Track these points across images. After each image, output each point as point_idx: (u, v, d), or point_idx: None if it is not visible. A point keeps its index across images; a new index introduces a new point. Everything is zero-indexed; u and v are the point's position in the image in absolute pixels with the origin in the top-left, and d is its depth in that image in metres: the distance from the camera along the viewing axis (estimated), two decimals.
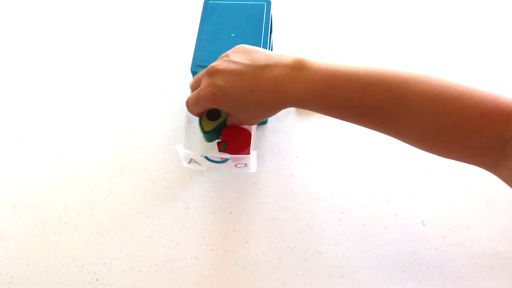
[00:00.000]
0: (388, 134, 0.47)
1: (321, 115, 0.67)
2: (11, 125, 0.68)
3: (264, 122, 0.66)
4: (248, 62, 0.48)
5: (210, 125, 0.54)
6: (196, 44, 0.59)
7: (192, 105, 0.52)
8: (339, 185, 0.61)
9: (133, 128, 0.67)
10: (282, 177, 0.62)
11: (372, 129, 0.47)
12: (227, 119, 0.55)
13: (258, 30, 0.59)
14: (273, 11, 0.66)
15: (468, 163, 0.45)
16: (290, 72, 0.45)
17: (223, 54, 0.51)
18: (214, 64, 0.50)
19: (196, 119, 0.56)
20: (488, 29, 0.76)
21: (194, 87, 0.53)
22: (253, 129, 0.56)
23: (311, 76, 0.45)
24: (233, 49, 0.51)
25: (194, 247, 0.57)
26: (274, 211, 0.59)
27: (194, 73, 0.58)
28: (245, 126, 0.56)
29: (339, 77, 0.44)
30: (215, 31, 0.60)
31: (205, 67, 0.57)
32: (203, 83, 0.50)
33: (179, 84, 0.71)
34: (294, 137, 0.65)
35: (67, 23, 0.80)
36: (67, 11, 0.81)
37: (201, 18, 0.62)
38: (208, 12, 0.62)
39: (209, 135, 0.55)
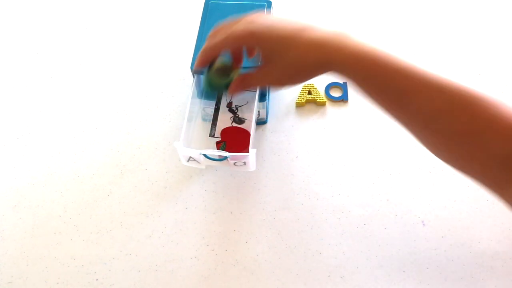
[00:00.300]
0: (414, 129, 0.45)
1: (321, 115, 0.67)
2: (11, 125, 0.68)
3: (264, 122, 0.66)
4: (289, 21, 0.46)
5: (219, 80, 0.52)
6: (196, 44, 0.59)
7: (213, 46, 0.48)
8: (339, 185, 0.61)
9: (133, 128, 0.67)
10: (282, 177, 0.62)
11: (400, 118, 0.46)
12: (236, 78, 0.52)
13: None
14: (273, 11, 0.66)
15: (479, 178, 0.44)
16: (335, 36, 0.44)
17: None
18: (249, 16, 0.47)
19: (197, 118, 0.56)
20: (488, 29, 0.76)
21: (215, 34, 0.50)
22: (252, 128, 0.56)
23: (357, 44, 0.44)
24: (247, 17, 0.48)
25: (194, 247, 0.57)
26: (274, 211, 0.59)
27: (194, 72, 0.58)
28: (244, 126, 0.56)
29: (382, 53, 0.43)
30: None
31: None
32: (238, 24, 0.47)
33: (179, 84, 0.71)
34: (294, 137, 0.65)
35: (67, 23, 0.80)
36: (67, 11, 0.81)
37: (201, 18, 0.62)
38: (208, 12, 0.62)
39: (213, 91, 0.53)
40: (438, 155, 0.46)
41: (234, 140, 0.55)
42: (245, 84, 0.52)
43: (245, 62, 0.54)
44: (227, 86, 0.53)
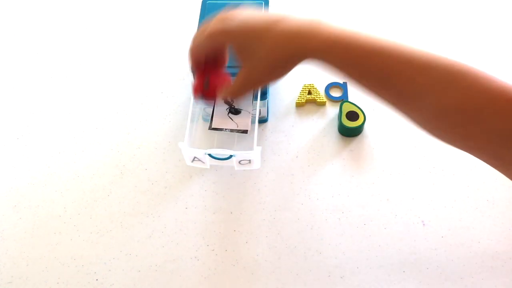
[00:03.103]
0: (402, 108, 0.43)
1: (321, 115, 0.67)
2: (11, 125, 0.68)
3: (265, 121, 0.66)
4: (258, 14, 0.46)
5: (351, 124, 0.62)
6: None
7: (192, 49, 0.48)
8: (339, 185, 0.61)
9: (133, 128, 0.67)
10: (282, 177, 0.62)
11: (386, 99, 0.44)
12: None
13: None
14: (271, 9, 0.66)
15: (481, 155, 0.42)
16: (309, 23, 0.43)
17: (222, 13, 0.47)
18: (221, 13, 0.46)
19: (198, 118, 0.56)
20: (488, 29, 0.76)
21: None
22: (256, 126, 0.56)
23: (332, 29, 0.43)
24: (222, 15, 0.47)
25: (194, 247, 0.57)
26: (274, 211, 0.59)
27: (194, 73, 0.58)
28: (245, 125, 0.56)
29: (360, 36, 0.42)
30: None
31: None
32: (211, 22, 0.47)
33: (179, 84, 0.71)
34: (294, 137, 0.65)
35: (67, 23, 0.80)
36: (67, 11, 0.81)
37: (199, 18, 0.62)
38: (206, 12, 0.62)
39: (346, 135, 0.64)
40: (432, 134, 0.44)
41: (216, 76, 0.53)
42: (229, 95, 0.52)
43: (231, 61, 0.53)
44: (356, 130, 0.64)
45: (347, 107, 0.64)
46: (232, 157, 0.54)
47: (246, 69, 0.47)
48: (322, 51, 0.43)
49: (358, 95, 0.67)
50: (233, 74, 0.50)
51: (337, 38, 0.42)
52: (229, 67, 0.53)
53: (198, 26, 0.61)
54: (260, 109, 0.62)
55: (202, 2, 0.63)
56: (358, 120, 0.63)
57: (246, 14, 0.46)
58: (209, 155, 0.54)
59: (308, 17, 0.44)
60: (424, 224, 0.58)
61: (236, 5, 0.62)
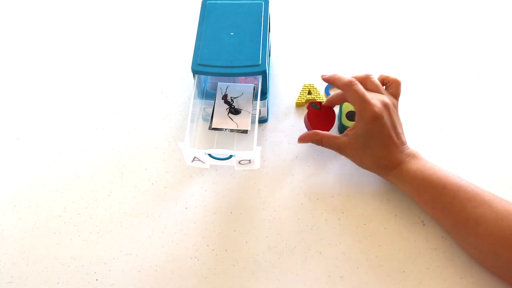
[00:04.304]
0: (463, 236, 0.53)
1: None
2: (11, 125, 0.68)
3: (265, 120, 0.66)
4: (397, 126, 0.56)
5: (350, 123, 0.63)
6: (195, 44, 0.59)
7: (352, 89, 0.55)
8: (339, 185, 0.61)
9: (133, 128, 0.67)
10: (282, 177, 0.62)
11: (450, 225, 0.54)
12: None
13: (257, 28, 0.59)
14: (271, 9, 0.66)
15: None
16: (409, 158, 0.56)
17: (389, 102, 0.56)
18: (388, 103, 0.56)
19: (198, 118, 0.56)
20: (488, 29, 0.76)
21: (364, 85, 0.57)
22: (256, 127, 0.56)
23: (420, 164, 0.56)
24: (392, 106, 0.56)
25: (194, 247, 0.57)
26: (274, 211, 0.59)
27: (194, 72, 0.58)
28: (245, 125, 0.56)
29: (436, 178, 0.54)
30: (214, 31, 0.60)
31: (206, 66, 0.57)
32: (382, 98, 0.55)
33: (179, 84, 0.71)
34: (294, 137, 0.65)
35: (67, 23, 0.80)
36: (67, 11, 0.81)
37: (199, 18, 0.62)
38: (206, 12, 0.62)
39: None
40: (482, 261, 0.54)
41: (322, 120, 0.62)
42: (318, 141, 0.60)
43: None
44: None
45: (347, 107, 0.64)
46: (232, 157, 0.54)
47: (352, 146, 0.57)
48: (400, 178, 0.56)
49: None
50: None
51: (418, 175, 0.55)
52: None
53: (198, 26, 0.61)
54: (260, 109, 0.62)
55: (202, 2, 0.63)
56: None
57: (394, 121, 0.56)
58: (209, 155, 0.54)
59: (410, 150, 0.57)
60: (424, 224, 0.58)
61: (237, 6, 0.62)
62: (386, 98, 0.56)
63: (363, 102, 0.54)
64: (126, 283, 0.55)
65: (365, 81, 0.57)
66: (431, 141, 0.65)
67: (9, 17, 0.81)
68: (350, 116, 0.63)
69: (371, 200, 0.60)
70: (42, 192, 0.62)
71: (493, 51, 0.73)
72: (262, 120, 0.66)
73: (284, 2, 0.79)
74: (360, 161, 0.58)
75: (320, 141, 0.59)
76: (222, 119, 0.58)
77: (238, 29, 0.59)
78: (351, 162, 0.59)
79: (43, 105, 0.70)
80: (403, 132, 0.57)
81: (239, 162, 0.55)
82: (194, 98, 0.58)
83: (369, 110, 0.53)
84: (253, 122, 0.58)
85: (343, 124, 0.63)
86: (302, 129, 0.66)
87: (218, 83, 0.61)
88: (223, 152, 0.54)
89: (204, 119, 0.63)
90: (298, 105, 0.68)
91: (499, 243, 0.49)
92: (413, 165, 0.55)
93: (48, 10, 0.81)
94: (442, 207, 0.53)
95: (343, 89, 0.56)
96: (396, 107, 0.57)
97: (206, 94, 0.62)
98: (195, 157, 0.55)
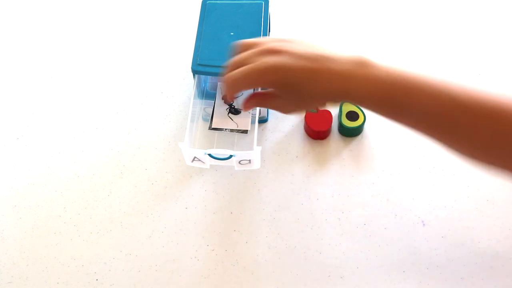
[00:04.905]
0: (442, 141, 0.45)
1: None
2: (11, 125, 0.68)
3: (265, 121, 0.66)
4: (311, 50, 0.46)
5: (350, 124, 0.63)
6: (195, 44, 0.59)
7: (233, 83, 0.47)
8: (339, 185, 0.61)
9: (133, 128, 0.67)
10: (282, 177, 0.62)
11: (427, 134, 0.46)
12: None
13: (257, 28, 0.59)
14: (271, 9, 0.66)
15: None
16: (355, 67, 0.45)
17: (274, 39, 0.48)
18: (272, 44, 0.47)
19: (198, 118, 0.56)
20: (488, 29, 0.76)
21: (237, 65, 0.48)
22: (256, 126, 0.56)
23: (376, 75, 0.44)
24: (285, 38, 0.48)
25: (194, 247, 0.57)
26: (274, 211, 0.59)
27: (194, 72, 0.58)
28: (245, 125, 0.56)
29: (403, 80, 0.43)
30: (214, 31, 0.60)
31: (206, 66, 0.57)
32: (259, 59, 0.46)
33: (179, 84, 0.71)
34: (294, 137, 0.65)
35: (67, 23, 0.80)
36: (67, 11, 0.81)
37: (199, 18, 0.62)
38: (206, 12, 0.62)
39: (345, 134, 0.65)
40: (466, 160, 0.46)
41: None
42: (261, 104, 0.53)
43: None
44: (356, 130, 0.64)
45: (347, 107, 0.64)
46: (232, 157, 0.54)
47: (289, 99, 0.49)
48: (361, 100, 0.45)
49: None
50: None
51: (380, 86, 0.44)
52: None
53: (198, 26, 0.61)
54: (260, 109, 0.62)
55: (202, 2, 0.63)
56: (358, 120, 0.63)
57: (298, 50, 0.46)
58: (209, 155, 0.54)
59: (353, 57, 0.45)
60: (424, 224, 0.58)
61: (237, 6, 0.62)
62: (266, 43, 0.48)
63: (252, 73, 0.46)
64: (126, 283, 0.55)
65: (243, 58, 0.49)
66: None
67: (9, 17, 0.81)
68: (350, 116, 0.63)
69: (371, 200, 0.60)
70: (42, 192, 0.62)
71: (493, 51, 0.73)
72: (262, 120, 0.66)
73: (284, 2, 0.79)
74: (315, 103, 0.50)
75: (264, 104, 0.53)
76: (222, 119, 0.58)
77: (238, 29, 0.59)
78: (351, 162, 0.59)
79: (43, 105, 0.70)
80: (326, 48, 0.48)
81: (239, 162, 0.55)
82: (194, 98, 0.58)
83: (263, 71, 0.46)
84: (253, 122, 0.58)
85: (343, 124, 0.63)
86: (302, 129, 0.66)
87: (218, 83, 0.61)
88: (223, 152, 0.54)
89: (204, 119, 0.63)
90: None
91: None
92: (370, 74, 0.45)
93: (48, 10, 0.81)
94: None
95: (239, 87, 0.50)
96: (285, 39, 0.48)
97: (206, 94, 0.62)
98: (195, 157, 0.55)
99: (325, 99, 0.48)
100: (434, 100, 0.43)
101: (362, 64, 0.45)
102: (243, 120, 0.58)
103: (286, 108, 0.52)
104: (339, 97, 0.47)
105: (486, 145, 0.43)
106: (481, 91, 0.42)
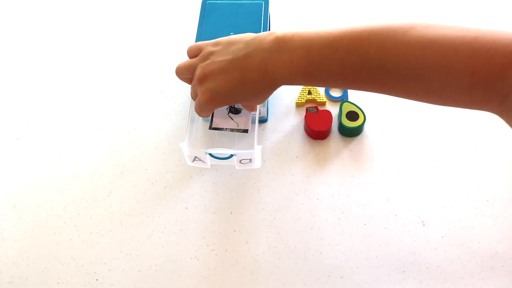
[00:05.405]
0: (379, 93, 0.46)
1: None
2: (11, 125, 0.68)
3: (265, 120, 0.66)
4: (229, 56, 0.48)
5: (350, 124, 0.64)
6: None
7: (200, 112, 0.54)
8: (339, 185, 0.61)
9: (133, 128, 0.67)
10: (282, 177, 0.62)
11: (362, 90, 0.46)
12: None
13: (257, 28, 0.59)
14: (271, 9, 0.66)
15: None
16: (270, 56, 0.46)
17: (203, 53, 0.51)
18: (198, 71, 0.50)
19: (198, 118, 0.57)
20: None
21: (185, 75, 0.54)
22: (256, 126, 0.56)
23: (289, 58, 0.45)
24: (210, 45, 0.51)
25: (194, 247, 0.57)
26: (274, 211, 0.59)
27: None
28: (245, 125, 0.56)
29: (315, 52, 0.44)
30: (214, 30, 0.60)
31: None
32: (198, 91, 0.51)
33: (179, 84, 0.71)
34: (294, 137, 0.65)
35: (67, 23, 0.80)
36: (67, 11, 0.81)
37: (199, 18, 0.62)
38: (206, 12, 0.62)
39: (345, 134, 0.65)
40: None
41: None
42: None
43: None
44: (356, 130, 0.64)
45: (347, 107, 0.64)
46: (233, 156, 0.54)
47: (243, 103, 0.55)
48: (288, 82, 0.47)
49: (358, 95, 0.67)
50: None
51: (295, 67, 0.45)
52: None
53: (198, 26, 0.61)
54: (260, 109, 0.62)
55: (202, 2, 0.63)
56: (358, 120, 0.63)
57: (218, 67, 0.49)
58: (210, 154, 0.54)
59: (267, 40, 0.47)
60: (424, 224, 0.58)
61: (236, 6, 0.62)
62: (197, 66, 0.51)
63: (201, 106, 0.52)
64: (126, 283, 0.55)
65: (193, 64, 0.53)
66: (431, 141, 0.65)
67: (9, 17, 0.81)
68: (351, 116, 0.63)
69: (371, 200, 0.60)
70: (42, 192, 0.62)
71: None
72: (262, 120, 0.66)
73: (284, 2, 0.79)
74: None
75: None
76: (222, 119, 0.58)
77: (238, 29, 0.59)
78: (351, 162, 0.59)
79: (43, 105, 0.70)
80: (242, 39, 0.49)
81: (240, 161, 0.55)
82: None
83: (206, 103, 0.50)
84: (253, 122, 0.58)
85: (343, 124, 0.63)
86: (302, 129, 0.66)
87: None
88: (224, 152, 0.54)
89: (204, 119, 0.63)
90: (298, 105, 0.68)
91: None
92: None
93: (48, 10, 0.81)
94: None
95: (204, 115, 0.55)
96: (209, 50, 0.51)
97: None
98: (196, 157, 0.55)
99: (264, 92, 0.50)
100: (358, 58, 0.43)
101: (275, 51, 0.46)
102: (243, 120, 0.58)
103: (249, 105, 0.56)
104: (273, 87, 0.49)
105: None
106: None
